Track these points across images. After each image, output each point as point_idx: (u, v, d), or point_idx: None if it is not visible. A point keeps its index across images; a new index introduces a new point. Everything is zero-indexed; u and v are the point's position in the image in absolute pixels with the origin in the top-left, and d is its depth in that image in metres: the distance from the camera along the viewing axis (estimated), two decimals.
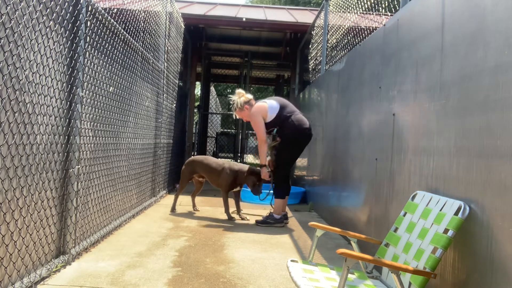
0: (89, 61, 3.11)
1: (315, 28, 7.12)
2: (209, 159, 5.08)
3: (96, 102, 3.30)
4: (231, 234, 4.10)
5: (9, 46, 2.08)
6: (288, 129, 4.58)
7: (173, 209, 5.13)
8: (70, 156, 2.86)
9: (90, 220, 3.32)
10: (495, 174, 1.71)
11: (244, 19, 7.90)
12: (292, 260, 2.25)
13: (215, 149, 11.44)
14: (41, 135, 2.47)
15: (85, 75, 3.04)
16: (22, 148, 2.26)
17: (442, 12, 2.28)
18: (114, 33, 3.65)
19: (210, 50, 10.04)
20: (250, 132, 11.89)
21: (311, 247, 2.45)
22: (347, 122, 4.21)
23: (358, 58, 4.02)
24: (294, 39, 8.78)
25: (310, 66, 7.23)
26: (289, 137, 4.58)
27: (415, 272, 1.78)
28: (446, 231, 1.86)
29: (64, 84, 2.77)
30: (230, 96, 4.93)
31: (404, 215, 2.29)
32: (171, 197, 6.33)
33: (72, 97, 2.85)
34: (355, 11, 4.95)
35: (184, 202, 5.83)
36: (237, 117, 4.91)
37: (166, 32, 5.89)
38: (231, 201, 5.15)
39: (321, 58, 6.29)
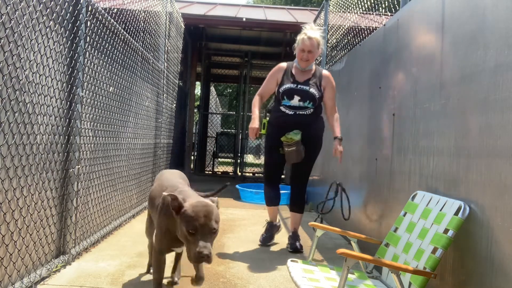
0: (89, 61, 3.11)
1: None
2: (164, 175, 2.52)
3: (96, 102, 3.30)
4: (231, 234, 4.10)
5: (9, 46, 2.08)
6: (322, 121, 3.57)
7: None
8: (70, 156, 2.86)
9: (90, 220, 3.32)
10: (495, 174, 1.71)
11: (244, 19, 7.90)
12: (292, 260, 2.24)
13: (215, 149, 11.44)
14: (41, 135, 2.47)
15: (85, 75, 3.04)
16: (22, 148, 2.26)
17: (442, 12, 2.28)
18: (114, 33, 3.65)
19: (210, 50, 10.04)
20: None
21: (311, 247, 2.45)
22: (347, 122, 4.21)
23: (358, 58, 4.02)
24: (294, 39, 8.77)
25: None
26: (322, 132, 3.56)
27: (415, 272, 1.78)
28: (446, 231, 1.86)
29: (64, 84, 2.77)
30: (307, 28, 3.57)
31: (404, 215, 2.29)
32: None
33: (72, 97, 2.85)
34: (355, 11, 4.95)
35: None
36: (306, 49, 3.42)
37: (166, 32, 5.89)
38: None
39: (321, 58, 6.29)
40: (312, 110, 3.39)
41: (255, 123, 3.41)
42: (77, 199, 2.97)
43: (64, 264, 2.80)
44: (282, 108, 3.40)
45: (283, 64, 3.56)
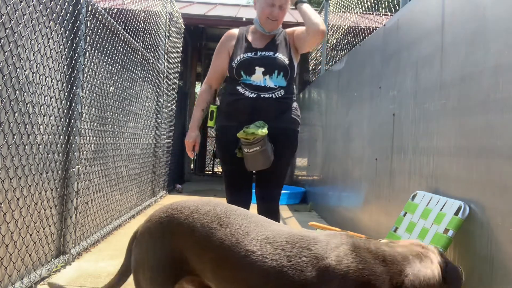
0: (89, 61, 3.11)
1: None
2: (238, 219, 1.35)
3: (96, 102, 3.30)
4: None
5: (9, 46, 2.08)
6: (296, 110, 2.40)
7: None
8: (70, 156, 2.86)
9: (90, 220, 3.32)
10: (495, 174, 1.70)
11: (244, 19, 7.90)
12: None
13: (215, 149, 11.44)
14: (41, 135, 2.47)
15: (85, 75, 3.04)
16: (22, 148, 2.26)
17: (442, 12, 2.28)
18: (114, 33, 3.65)
19: (210, 50, 10.03)
20: None
21: None
22: (347, 122, 4.21)
23: (358, 58, 4.02)
24: None
25: (310, 66, 7.23)
26: (298, 125, 2.39)
27: None
28: (446, 231, 1.86)
29: (64, 84, 2.77)
30: None
31: (404, 215, 2.29)
32: (171, 197, 6.34)
33: (72, 97, 2.85)
34: (355, 11, 4.95)
35: None
36: (277, 3, 2.29)
37: (166, 32, 5.89)
38: None
39: (321, 58, 6.29)
40: (282, 92, 2.29)
41: (190, 134, 2.39)
42: (77, 199, 2.97)
43: (64, 264, 2.80)
44: (240, 89, 2.29)
45: (234, 31, 2.50)
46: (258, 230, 1.26)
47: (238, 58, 2.33)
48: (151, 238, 1.35)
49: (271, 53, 2.32)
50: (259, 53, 2.33)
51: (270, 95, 2.27)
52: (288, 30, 2.45)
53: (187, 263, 1.29)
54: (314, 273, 1.18)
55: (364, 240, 1.28)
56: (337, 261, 1.18)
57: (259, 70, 2.28)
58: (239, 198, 2.26)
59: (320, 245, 1.23)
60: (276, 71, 2.28)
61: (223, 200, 1.43)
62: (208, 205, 1.35)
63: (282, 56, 2.32)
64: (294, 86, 2.42)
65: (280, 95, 2.29)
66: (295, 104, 2.38)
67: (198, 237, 1.27)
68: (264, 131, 2.17)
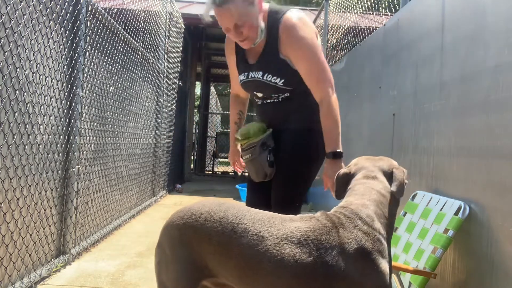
0: (89, 61, 3.11)
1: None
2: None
3: (96, 102, 3.30)
4: None
5: (9, 46, 2.08)
6: (313, 114, 1.92)
7: None
8: (70, 156, 2.86)
9: (90, 220, 3.32)
10: (495, 174, 1.70)
11: None
12: None
13: (215, 149, 11.44)
14: (41, 135, 2.47)
15: (85, 75, 3.04)
16: (22, 148, 2.26)
17: (442, 12, 2.28)
18: (114, 33, 3.65)
19: (210, 50, 10.03)
20: None
21: None
22: (347, 122, 4.21)
23: (358, 58, 4.02)
24: None
25: None
26: (303, 124, 2.01)
27: (415, 272, 1.78)
28: (446, 231, 1.86)
29: (64, 84, 2.77)
30: None
31: (404, 215, 2.29)
32: (171, 197, 6.34)
33: (72, 97, 2.85)
34: (355, 11, 4.95)
35: (185, 201, 5.83)
36: (226, 24, 1.77)
37: (166, 32, 5.89)
38: None
39: None
40: (287, 94, 1.95)
41: (231, 148, 2.29)
42: (77, 199, 2.97)
43: (64, 264, 2.80)
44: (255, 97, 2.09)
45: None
46: (271, 233, 1.28)
47: (239, 78, 2.06)
48: (171, 242, 1.37)
49: (259, 74, 1.93)
50: (250, 75, 1.98)
51: (271, 100, 2.01)
52: (282, 27, 1.85)
53: (207, 268, 1.32)
54: (340, 260, 1.21)
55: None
56: (357, 241, 1.24)
57: (259, 94, 2.03)
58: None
59: (333, 232, 1.26)
60: (272, 95, 1.97)
61: (225, 200, 1.40)
62: (219, 211, 1.34)
63: (271, 78, 1.90)
64: (304, 87, 1.91)
65: (283, 98, 1.97)
66: (311, 104, 1.91)
67: (216, 246, 1.29)
68: (253, 132, 1.97)
